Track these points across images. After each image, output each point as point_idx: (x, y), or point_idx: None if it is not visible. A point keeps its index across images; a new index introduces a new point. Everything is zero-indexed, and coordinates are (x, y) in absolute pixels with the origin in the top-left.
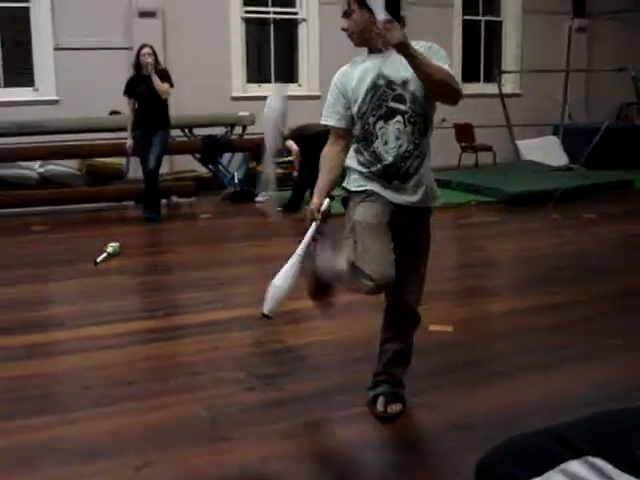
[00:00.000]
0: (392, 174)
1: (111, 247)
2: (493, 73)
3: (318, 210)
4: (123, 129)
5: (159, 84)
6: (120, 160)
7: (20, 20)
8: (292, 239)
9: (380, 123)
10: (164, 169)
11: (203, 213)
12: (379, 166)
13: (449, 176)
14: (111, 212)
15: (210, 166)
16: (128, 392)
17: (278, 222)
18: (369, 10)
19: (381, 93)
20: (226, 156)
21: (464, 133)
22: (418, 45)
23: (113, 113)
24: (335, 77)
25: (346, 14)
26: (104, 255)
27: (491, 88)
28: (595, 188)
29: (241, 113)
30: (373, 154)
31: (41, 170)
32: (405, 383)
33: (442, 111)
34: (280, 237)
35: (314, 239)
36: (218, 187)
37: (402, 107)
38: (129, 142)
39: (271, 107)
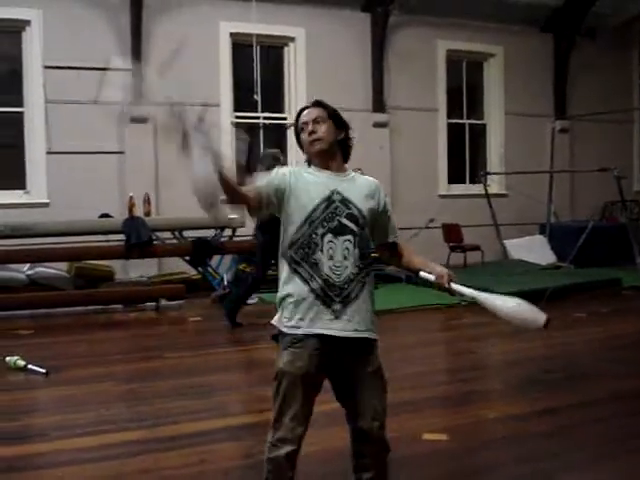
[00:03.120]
0: (334, 296)
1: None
2: (479, 174)
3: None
4: (113, 232)
5: None
6: (109, 263)
7: (14, 124)
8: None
9: (329, 236)
10: (153, 272)
11: (192, 316)
12: (320, 282)
13: None
14: (99, 316)
15: (199, 268)
16: None
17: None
18: (338, 128)
19: (335, 207)
20: (216, 258)
21: (452, 233)
22: (362, 178)
23: (103, 216)
24: (289, 168)
25: (315, 121)
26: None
27: (477, 189)
28: (584, 287)
29: (231, 216)
30: (314, 266)
31: (30, 272)
32: None
33: (430, 212)
34: (269, 340)
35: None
36: (207, 289)
37: (354, 227)
38: None
39: None
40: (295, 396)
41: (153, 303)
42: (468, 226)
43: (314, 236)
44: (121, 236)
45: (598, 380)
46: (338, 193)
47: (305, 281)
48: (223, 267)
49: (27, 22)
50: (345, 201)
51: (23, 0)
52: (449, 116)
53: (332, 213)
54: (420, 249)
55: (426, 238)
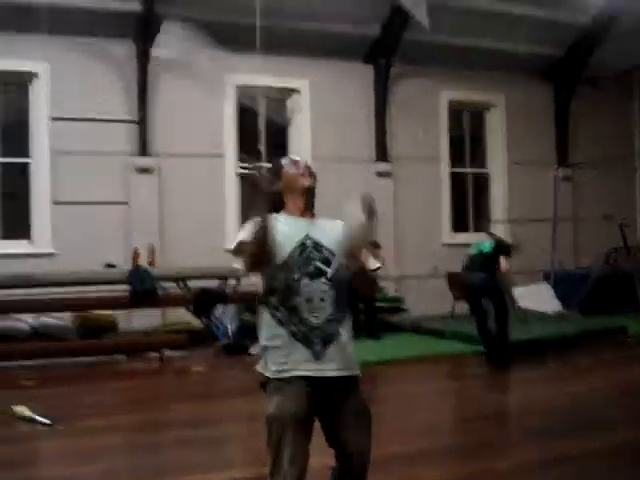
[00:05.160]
0: (313, 337)
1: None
2: (482, 222)
3: None
4: (117, 282)
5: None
6: (113, 313)
7: (20, 174)
8: None
9: (305, 280)
10: (156, 322)
11: (196, 367)
12: (299, 325)
13: (442, 325)
14: (103, 366)
15: (203, 318)
16: None
17: None
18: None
19: (309, 252)
20: (219, 308)
21: (456, 281)
22: (330, 222)
23: (108, 266)
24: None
25: (306, 164)
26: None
27: (481, 237)
28: (589, 335)
29: (235, 265)
30: (293, 310)
31: (34, 322)
32: None
33: (434, 260)
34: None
35: None
36: (211, 339)
37: (328, 270)
38: None
39: None
40: (289, 439)
41: (157, 353)
42: None
43: (291, 281)
44: (125, 286)
45: (609, 428)
46: (310, 238)
47: (284, 325)
48: (227, 317)
49: (35, 74)
50: (317, 245)
51: (31, 53)
52: (452, 165)
53: (307, 258)
54: (424, 297)
55: (430, 286)
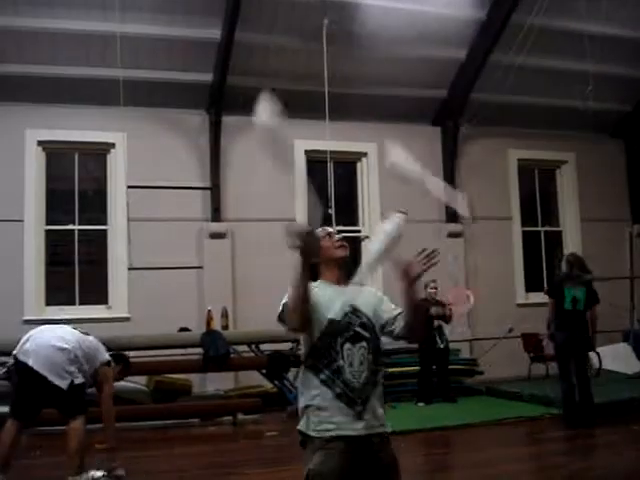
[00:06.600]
0: (355, 398)
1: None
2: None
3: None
4: (191, 345)
5: None
6: (187, 376)
7: (98, 241)
8: None
9: (348, 345)
10: (230, 385)
11: (269, 431)
12: (342, 387)
13: (519, 388)
14: (177, 430)
15: (276, 382)
16: None
17: None
18: None
19: (350, 318)
20: (292, 371)
21: (532, 343)
22: (365, 288)
23: (182, 330)
24: None
25: (343, 246)
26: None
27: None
28: None
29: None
30: (336, 372)
31: None
32: None
33: (509, 321)
34: None
35: None
36: (284, 402)
37: (367, 335)
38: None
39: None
40: None
41: (230, 417)
42: None
43: (334, 345)
44: (199, 349)
45: None
46: (350, 305)
47: (328, 386)
48: (299, 380)
49: (112, 145)
50: (356, 311)
51: (108, 124)
52: (524, 224)
53: (348, 323)
54: (500, 359)
55: (505, 348)
